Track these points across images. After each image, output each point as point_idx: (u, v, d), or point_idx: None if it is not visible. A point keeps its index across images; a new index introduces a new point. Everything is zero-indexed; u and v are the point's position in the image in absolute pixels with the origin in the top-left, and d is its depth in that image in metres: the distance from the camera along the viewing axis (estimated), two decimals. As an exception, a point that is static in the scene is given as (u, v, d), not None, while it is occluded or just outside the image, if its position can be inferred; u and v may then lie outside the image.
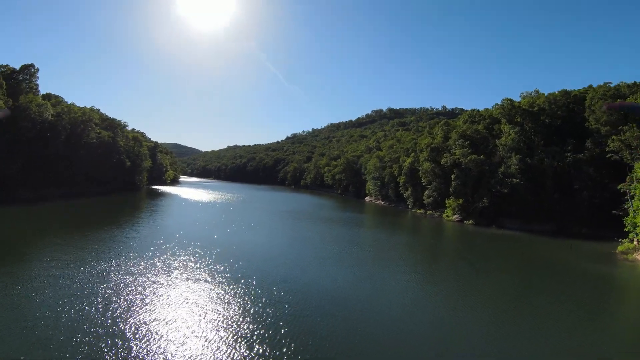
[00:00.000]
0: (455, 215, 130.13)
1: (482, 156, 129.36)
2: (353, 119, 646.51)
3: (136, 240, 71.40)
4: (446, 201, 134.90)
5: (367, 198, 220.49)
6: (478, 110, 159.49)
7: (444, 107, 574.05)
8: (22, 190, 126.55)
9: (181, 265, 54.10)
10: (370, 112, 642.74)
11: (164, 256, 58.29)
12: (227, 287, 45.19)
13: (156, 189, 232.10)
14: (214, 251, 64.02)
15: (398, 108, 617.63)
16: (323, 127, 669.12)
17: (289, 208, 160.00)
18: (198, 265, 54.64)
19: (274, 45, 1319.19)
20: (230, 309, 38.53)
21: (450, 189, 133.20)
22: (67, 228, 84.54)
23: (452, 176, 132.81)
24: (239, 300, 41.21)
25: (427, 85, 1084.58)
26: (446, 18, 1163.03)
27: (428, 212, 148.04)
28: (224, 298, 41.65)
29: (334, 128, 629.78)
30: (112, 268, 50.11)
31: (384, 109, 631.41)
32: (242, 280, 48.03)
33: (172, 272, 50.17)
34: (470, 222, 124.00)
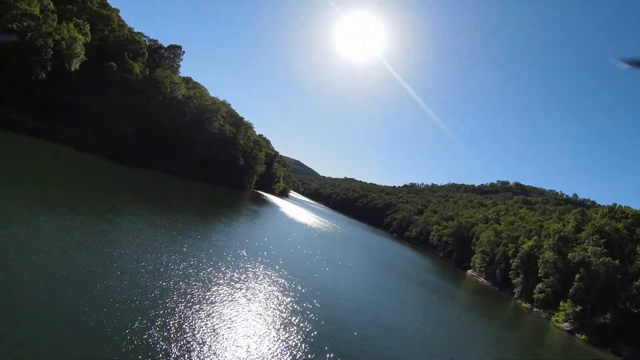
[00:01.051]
0: (567, 324, 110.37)
1: (617, 261, 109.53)
2: (476, 184, 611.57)
3: (219, 244, 65.46)
4: (561, 303, 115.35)
5: (470, 271, 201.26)
6: (621, 206, 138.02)
7: (575, 195, 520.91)
8: (133, 152, 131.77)
9: (255, 283, 49.78)
10: (495, 182, 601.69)
11: (242, 270, 53.11)
12: (291, 318, 41.78)
13: (262, 195, 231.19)
14: (294, 277, 58.49)
15: (526, 185, 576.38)
16: (443, 184, 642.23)
17: (384, 257, 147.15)
18: (272, 286, 50.84)
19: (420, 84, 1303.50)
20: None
21: (570, 290, 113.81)
22: (160, 201, 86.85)
23: (577, 276, 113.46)
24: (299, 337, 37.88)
25: (560, 168, 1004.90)
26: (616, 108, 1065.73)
27: (535, 310, 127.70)
28: (284, 329, 38.44)
29: (454, 188, 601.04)
30: (182, 266, 45.40)
31: (511, 182, 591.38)
32: (309, 318, 43.96)
33: (242, 288, 45.95)
34: (582, 336, 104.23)
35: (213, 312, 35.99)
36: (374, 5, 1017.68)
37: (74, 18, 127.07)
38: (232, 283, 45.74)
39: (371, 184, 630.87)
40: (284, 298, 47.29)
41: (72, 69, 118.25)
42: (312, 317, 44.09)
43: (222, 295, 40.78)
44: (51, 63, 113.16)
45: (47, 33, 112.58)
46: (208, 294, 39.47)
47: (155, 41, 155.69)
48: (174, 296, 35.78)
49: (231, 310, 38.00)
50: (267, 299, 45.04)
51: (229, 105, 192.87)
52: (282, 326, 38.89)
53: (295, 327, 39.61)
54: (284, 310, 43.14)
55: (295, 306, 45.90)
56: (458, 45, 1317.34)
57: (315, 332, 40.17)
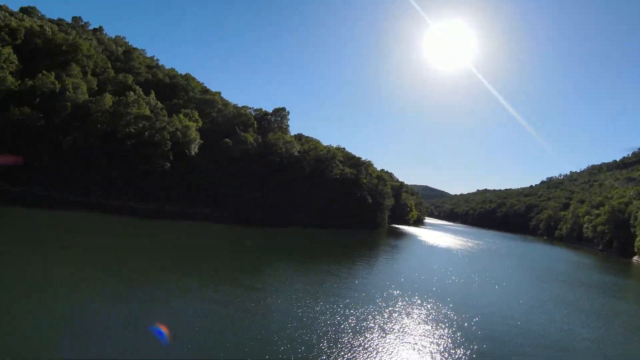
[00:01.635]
0: None
1: None
2: (617, 159, 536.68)
3: (363, 280, 66.95)
4: None
5: (635, 258, 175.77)
6: None
7: None
8: (261, 214, 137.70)
9: (407, 317, 47.25)
10: (637, 150, 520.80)
11: (391, 305, 51.49)
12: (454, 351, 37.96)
13: (397, 227, 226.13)
14: (447, 305, 54.35)
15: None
16: (582, 169, 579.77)
17: (537, 264, 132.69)
18: (424, 318, 47.72)
19: (514, 87, 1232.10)
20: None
21: None
22: (297, 255, 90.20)
23: None
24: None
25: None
26: None
27: None
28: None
29: (595, 170, 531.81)
30: (336, 305, 47.74)
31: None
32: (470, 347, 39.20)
33: (394, 322, 44.57)
34: None
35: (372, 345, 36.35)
36: (463, 11, 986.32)
37: (182, 109, 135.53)
38: (384, 319, 44.67)
39: (506, 190, 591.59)
40: (441, 330, 43.70)
41: (192, 152, 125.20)
42: (473, 347, 39.43)
43: (375, 331, 40.52)
44: (172, 152, 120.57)
45: (161, 128, 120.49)
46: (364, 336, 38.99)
47: (260, 109, 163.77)
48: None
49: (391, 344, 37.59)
50: (423, 332, 42.57)
51: (344, 149, 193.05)
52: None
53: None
54: (443, 343, 39.89)
55: (455, 336, 42.24)
56: (552, 48, 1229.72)
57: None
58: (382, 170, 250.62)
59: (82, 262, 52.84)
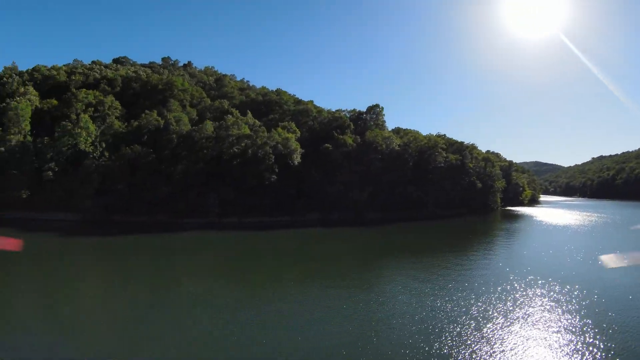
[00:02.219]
0: None
1: None
2: None
3: (483, 271, 63.14)
4: None
5: None
6: None
7: None
8: (369, 213, 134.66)
9: (532, 307, 43.48)
10: None
11: (515, 294, 47.97)
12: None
13: (511, 210, 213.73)
14: (575, 293, 48.04)
15: None
16: None
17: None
18: (552, 307, 43.22)
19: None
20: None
21: None
22: (412, 251, 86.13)
23: None
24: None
25: None
26: None
27: None
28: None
29: None
30: (460, 299, 45.60)
31: None
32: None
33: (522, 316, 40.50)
34: None
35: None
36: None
37: (279, 122, 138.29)
38: (509, 311, 41.86)
39: (624, 153, 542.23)
40: (573, 320, 38.97)
41: (295, 162, 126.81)
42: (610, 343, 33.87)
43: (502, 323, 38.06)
44: (276, 165, 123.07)
45: (263, 144, 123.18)
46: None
47: (354, 110, 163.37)
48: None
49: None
50: (550, 321, 38.89)
51: (444, 135, 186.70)
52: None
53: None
54: (577, 337, 35.10)
55: (589, 328, 36.94)
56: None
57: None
58: (488, 151, 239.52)
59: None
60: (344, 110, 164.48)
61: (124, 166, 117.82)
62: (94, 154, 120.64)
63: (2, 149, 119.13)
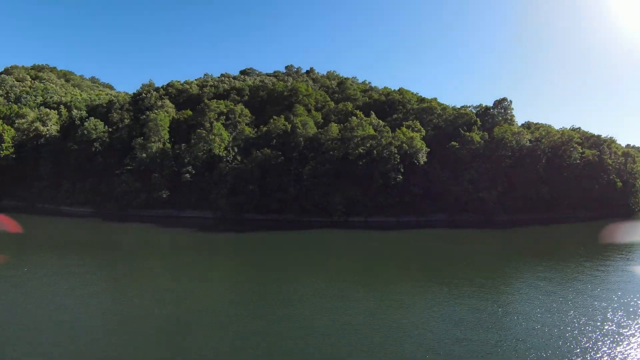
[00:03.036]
0: None
1: None
2: None
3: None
4: None
5: None
6: None
7: None
8: (498, 214, 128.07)
9: None
10: None
11: None
12: None
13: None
14: None
15: None
16: None
17: None
18: None
19: None
20: None
21: None
22: (542, 255, 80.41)
23: None
24: None
25: None
26: None
27: None
28: None
29: None
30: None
31: None
32: None
33: None
34: None
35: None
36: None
37: (403, 122, 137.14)
38: None
39: None
40: None
41: (421, 162, 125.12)
42: None
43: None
44: (402, 165, 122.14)
45: (387, 144, 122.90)
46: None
47: (480, 105, 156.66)
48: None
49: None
50: None
51: (579, 129, 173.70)
52: None
53: None
54: None
55: None
56: None
57: None
58: (628, 145, 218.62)
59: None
60: (469, 106, 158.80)
61: (255, 168, 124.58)
62: (227, 158, 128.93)
63: (145, 155, 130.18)
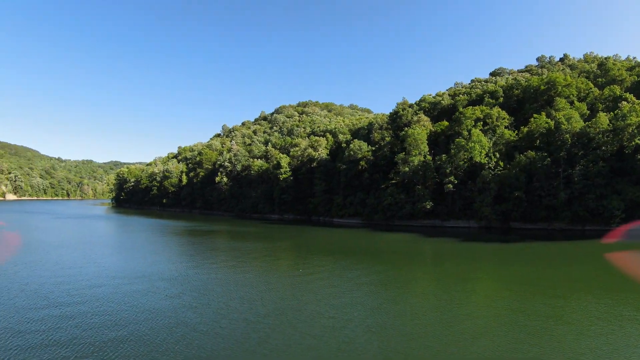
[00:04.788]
0: None
1: None
2: None
3: None
4: None
5: None
6: None
7: None
8: None
9: None
10: None
11: None
12: None
13: None
14: None
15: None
16: None
17: None
18: None
19: None
20: None
21: None
22: None
23: None
24: None
25: None
26: None
27: None
28: None
29: None
30: None
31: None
32: None
33: None
34: None
35: None
36: None
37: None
38: None
39: None
40: None
41: None
42: None
43: None
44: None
45: None
46: None
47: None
48: None
49: None
50: None
51: None
52: None
53: None
54: None
55: None
56: None
57: None
58: None
59: None
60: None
61: (519, 173, 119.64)
62: (489, 165, 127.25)
63: (407, 168, 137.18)
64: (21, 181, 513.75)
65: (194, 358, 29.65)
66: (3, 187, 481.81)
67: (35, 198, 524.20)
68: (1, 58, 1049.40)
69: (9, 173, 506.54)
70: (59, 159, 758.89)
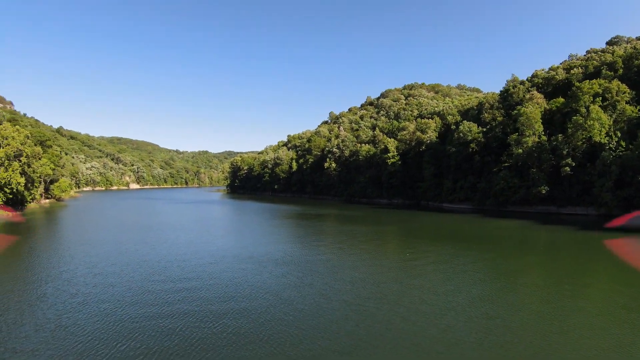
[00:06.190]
0: None
1: None
2: None
3: None
4: None
5: None
6: None
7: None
8: None
9: None
10: None
11: None
12: None
13: None
14: None
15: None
16: None
17: None
18: None
19: None
20: None
21: None
22: None
23: None
24: None
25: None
26: None
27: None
28: None
29: None
30: None
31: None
32: None
33: None
34: None
35: None
36: None
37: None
38: None
39: None
40: None
41: None
42: None
43: None
44: None
45: None
46: None
47: None
48: None
49: None
50: None
51: None
52: None
53: None
54: None
55: None
56: None
57: None
58: None
59: None
60: None
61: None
62: (610, 145, 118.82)
63: (520, 150, 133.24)
64: (143, 172, 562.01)
65: (288, 334, 30.98)
66: (127, 178, 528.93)
67: (157, 187, 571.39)
68: (128, 61, 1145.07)
69: (132, 165, 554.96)
70: (176, 151, 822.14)
